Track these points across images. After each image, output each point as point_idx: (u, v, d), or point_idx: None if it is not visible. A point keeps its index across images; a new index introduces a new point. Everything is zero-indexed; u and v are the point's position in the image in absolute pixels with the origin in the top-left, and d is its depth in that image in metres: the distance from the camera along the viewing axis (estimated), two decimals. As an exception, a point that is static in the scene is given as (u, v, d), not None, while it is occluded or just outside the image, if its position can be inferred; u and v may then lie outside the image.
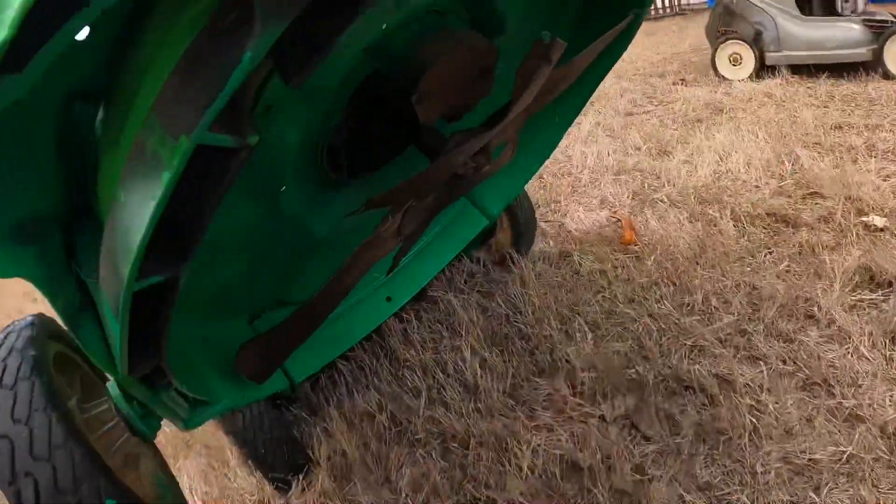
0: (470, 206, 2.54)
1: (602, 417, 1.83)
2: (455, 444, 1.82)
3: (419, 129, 1.56)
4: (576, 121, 5.33)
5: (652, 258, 2.53)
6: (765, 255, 2.40)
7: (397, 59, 1.38)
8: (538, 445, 1.72)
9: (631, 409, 1.82)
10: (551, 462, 1.66)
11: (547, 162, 4.35)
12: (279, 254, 1.70)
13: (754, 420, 1.64)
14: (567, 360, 2.07)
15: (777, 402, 1.70)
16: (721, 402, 1.73)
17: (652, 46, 8.29)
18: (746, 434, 1.62)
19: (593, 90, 2.19)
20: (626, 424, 1.78)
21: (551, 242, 3.04)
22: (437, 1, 1.42)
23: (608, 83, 5.50)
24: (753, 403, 1.70)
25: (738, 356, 1.91)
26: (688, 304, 2.22)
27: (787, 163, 3.19)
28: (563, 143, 4.56)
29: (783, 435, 1.61)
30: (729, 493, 1.48)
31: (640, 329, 2.15)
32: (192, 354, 1.46)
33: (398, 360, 2.28)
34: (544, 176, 3.96)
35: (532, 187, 3.78)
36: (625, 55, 2.02)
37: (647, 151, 3.80)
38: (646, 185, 3.34)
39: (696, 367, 1.89)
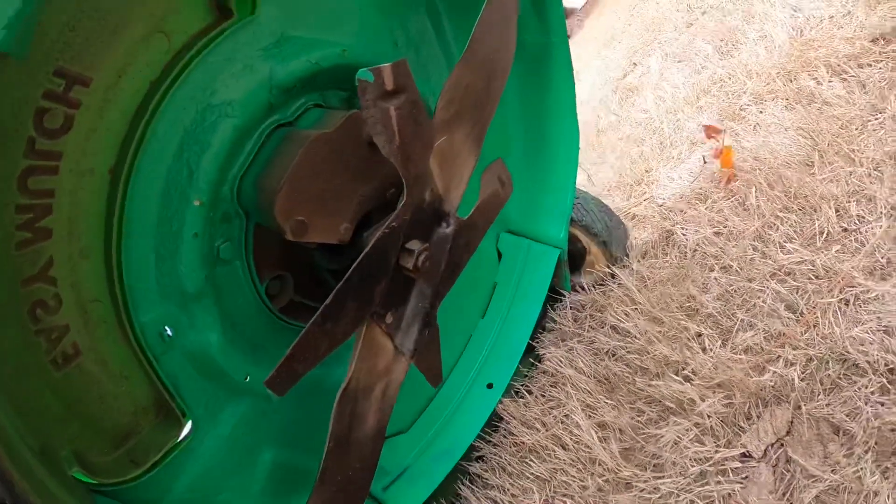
0: (534, 244, 2.24)
1: (746, 455, 1.27)
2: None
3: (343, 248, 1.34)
4: (644, 64, 4.58)
5: (753, 190, 1.86)
6: (895, 98, 1.60)
7: (258, 205, 1.22)
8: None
9: (782, 430, 1.23)
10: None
11: (628, 131, 3.77)
12: (312, 421, 1.53)
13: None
14: (685, 385, 1.53)
15: None
16: (901, 379, 1.08)
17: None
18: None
19: (566, 49, 1.79)
20: (780, 457, 1.20)
21: (649, 228, 2.47)
22: (300, 98, 1.27)
23: (660, 5, 4.68)
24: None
25: (911, 283, 1.22)
26: (820, 231, 1.54)
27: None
28: (639, 99, 3.91)
29: None
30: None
31: (769, 299, 1.52)
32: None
33: (520, 445, 1.95)
34: (631, 151, 3.36)
35: (619, 171, 3.22)
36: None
37: (717, 54, 3.03)
38: (728, 94, 2.60)
39: (857, 329, 1.24)
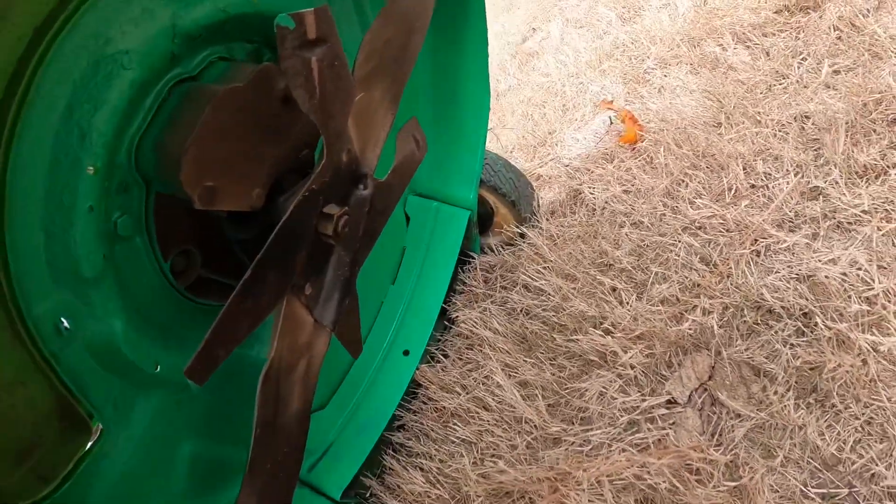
0: (443, 206, 2.21)
1: (671, 402, 1.30)
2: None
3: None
4: (544, 30, 4.58)
5: (662, 149, 1.92)
6: (798, 65, 1.70)
7: (159, 171, 1.08)
8: (595, 486, 1.23)
9: (704, 375, 1.28)
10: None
11: (528, 94, 3.77)
12: (229, 407, 1.42)
13: (870, 345, 1.04)
14: (607, 338, 1.55)
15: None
16: (818, 323, 1.13)
17: None
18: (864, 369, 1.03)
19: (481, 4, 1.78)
20: (705, 401, 1.24)
21: (556, 187, 2.49)
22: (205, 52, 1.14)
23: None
24: (865, 308, 1.09)
25: (821, 236, 1.29)
26: (729, 188, 1.60)
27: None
28: (539, 63, 3.94)
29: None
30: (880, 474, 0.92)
31: (682, 252, 1.57)
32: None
33: (441, 410, 1.90)
34: (533, 113, 3.37)
35: (520, 133, 3.23)
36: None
37: (619, 20, 3.10)
38: (632, 58, 2.67)
39: (771, 277, 1.30)
